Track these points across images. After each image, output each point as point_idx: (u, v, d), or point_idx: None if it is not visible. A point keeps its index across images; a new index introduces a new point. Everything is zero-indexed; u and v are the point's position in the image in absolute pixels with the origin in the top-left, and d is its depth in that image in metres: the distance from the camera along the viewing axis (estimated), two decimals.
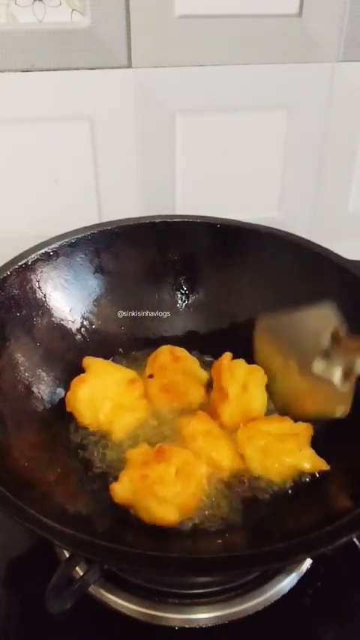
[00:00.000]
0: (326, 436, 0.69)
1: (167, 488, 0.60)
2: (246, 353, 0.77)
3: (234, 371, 0.72)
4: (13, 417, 0.66)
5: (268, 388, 0.68)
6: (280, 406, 0.64)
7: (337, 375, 0.58)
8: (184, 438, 0.68)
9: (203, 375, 0.77)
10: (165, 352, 0.77)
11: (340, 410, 0.59)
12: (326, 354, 0.58)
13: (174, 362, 0.76)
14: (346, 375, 0.57)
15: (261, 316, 0.63)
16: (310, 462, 0.65)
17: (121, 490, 0.61)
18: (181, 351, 0.78)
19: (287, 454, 0.65)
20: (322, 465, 0.65)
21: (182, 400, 0.74)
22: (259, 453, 0.66)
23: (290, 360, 0.60)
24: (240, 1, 0.85)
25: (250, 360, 0.75)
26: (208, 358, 0.81)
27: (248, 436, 0.68)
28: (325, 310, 0.59)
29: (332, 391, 0.58)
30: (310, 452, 0.66)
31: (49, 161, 0.92)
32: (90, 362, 0.75)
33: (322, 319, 0.59)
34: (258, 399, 0.71)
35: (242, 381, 0.71)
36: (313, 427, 0.69)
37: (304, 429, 0.67)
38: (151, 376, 0.75)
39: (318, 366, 0.58)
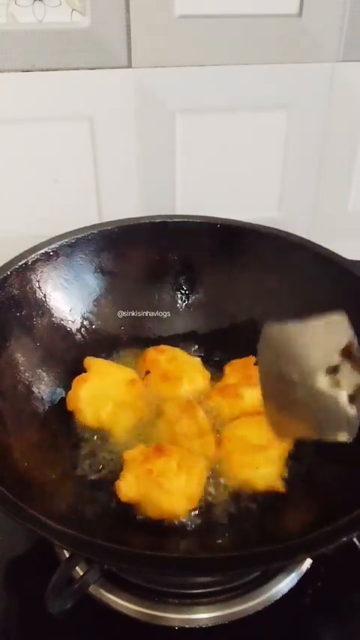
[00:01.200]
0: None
1: (173, 480, 0.61)
2: (246, 353, 0.77)
3: None
4: (13, 417, 0.66)
5: (265, 406, 0.61)
6: (276, 425, 0.58)
7: (343, 395, 0.52)
8: (177, 436, 0.68)
9: (195, 360, 0.78)
10: (151, 351, 0.78)
11: (344, 435, 0.54)
12: (334, 370, 0.52)
13: (162, 355, 0.77)
14: (354, 396, 0.52)
15: (267, 324, 0.59)
16: (263, 481, 0.64)
17: (127, 487, 0.62)
18: (165, 347, 0.79)
19: (243, 469, 0.65)
20: (278, 486, 0.64)
21: (183, 383, 0.75)
22: (222, 456, 0.67)
23: (294, 373, 0.53)
24: (240, 1, 0.85)
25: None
26: (209, 359, 0.81)
27: (227, 435, 0.69)
28: (338, 322, 0.54)
29: (337, 412, 0.52)
30: (268, 471, 0.64)
31: (49, 161, 0.92)
32: (91, 362, 0.75)
33: (333, 331, 0.54)
34: None
35: None
36: None
37: (281, 442, 0.66)
38: (147, 372, 0.76)
39: (324, 382, 0.52)
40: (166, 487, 0.60)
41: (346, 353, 0.53)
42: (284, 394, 0.54)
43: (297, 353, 0.53)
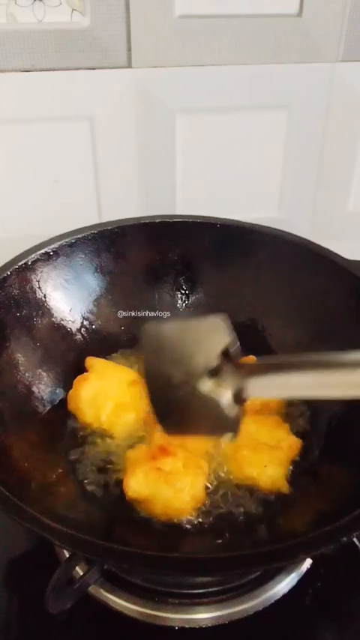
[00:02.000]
0: (327, 434, 0.70)
1: (182, 480, 0.61)
2: (246, 353, 0.77)
3: None
4: (13, 417, 0.66)
5: (151, 405, 0.59)
6: (165, 423, 0.57)
7: (225, 397, 0.52)
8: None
9: None
10: None
11: (228, 435, 0.55)
12: (216, 373, 0.52)
13: None
14: (236, 397, 0.52)
15: (148, 323, 0.56)
16: (270, 481, 0.64)
17: (137, 484, 0.61)
18: None
19: (251, 465, 0.65)
20: (283, 487, 0.64)
21: None
22: (230, 450, 0.67)
23: (177, 374, 0.53)
24: (240, 1, 0.85)
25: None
26: None
27: None
28: (217, 324, 0.54)
29: (220, 413, 0.52)
30: (275, 471, 0.65)
31: (49, 161, 0.92)
32: (93, 362, 0.75)
33: (213, 333, 0.54)
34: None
35: None
36: (314, 432, 0.70)
37: (290, 445, 0.67)
38: None
39: (205, 384, 0.52)
40: (177, 486, 0.61)
41: (226, 355, 0.53)
42: (169, 394, 0.54)
43: (179, 354, 0.53)
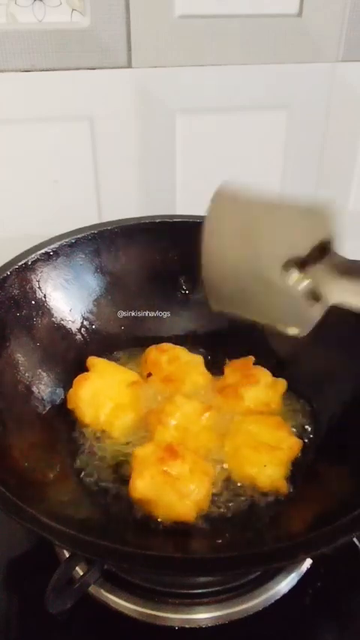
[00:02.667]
0: (327, 435, 0.69)
1: (187, 486, 0.61)
2: (246, 353, 0.78)
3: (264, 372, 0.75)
4: (13, 417, 0.66)
5: (210, 281, 0.50)
6: (215, 296, 0.49)
7: (306, 292, 0.45)
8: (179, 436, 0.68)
9: (197, 359, 0.78)
10: (152, 351, 0.78)
11: (295, 329, 0.48)
12: (301, 263, 0.45)
13: (164, 355, 0.77)
14: (315, 294, 0.46)
15: (222, 187, 0.45)
16: (269, 480, 0.64)
17: (143, 486, 0.61)
18: (167, 345, 0.79)
19: (251, 464, 0.65)
20: (282, 487, 0.64)
21: (185, 385, 0.75)
22: (230, 449, 0.67)
23: (250, 255, 0.45)
24: (240, 1, 0.85)
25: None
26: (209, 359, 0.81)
27: (235, 429, 0.69)
28: (321, 212, 0.46)
29: (294, 305, 0.46)
30: (274, 471, 0.65)
31: (49, 161, 0.92)
32: (94, 362, 0.75)
33: (310, 221, 0.46)
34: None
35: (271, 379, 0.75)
36: (314, 432, 0.70)
37: (291, 446, 0.67)
38: (149, 374, 0.76)
39: (288, 272, 0.45)
40: (183, 491, 0.61)
41: (321, 250, 0.46)
42: (233, 272, 0.47)
43: (258, 234, 0.46)
